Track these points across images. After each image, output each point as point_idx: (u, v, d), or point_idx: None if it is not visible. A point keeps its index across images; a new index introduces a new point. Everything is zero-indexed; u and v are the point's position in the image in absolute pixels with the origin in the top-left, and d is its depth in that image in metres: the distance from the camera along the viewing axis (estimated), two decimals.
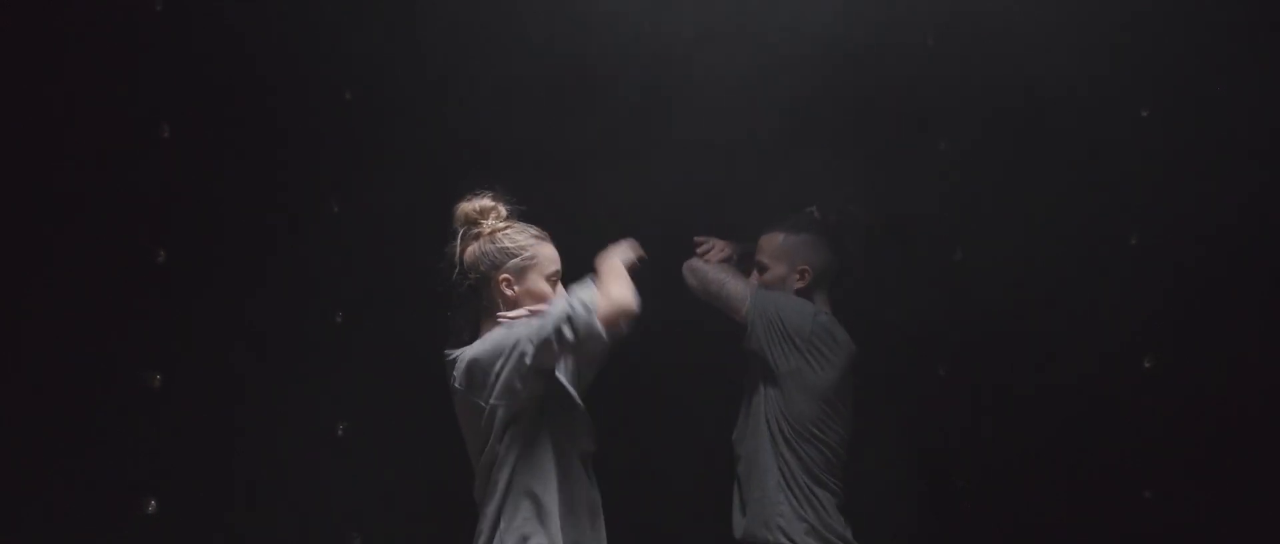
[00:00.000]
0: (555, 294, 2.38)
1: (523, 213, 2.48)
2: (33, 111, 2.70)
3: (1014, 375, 3.17)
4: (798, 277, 2.97)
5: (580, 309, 2.22)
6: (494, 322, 2.37)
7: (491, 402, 2.25)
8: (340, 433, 2.99)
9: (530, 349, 2.18)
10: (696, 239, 2.94)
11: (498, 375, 2.23)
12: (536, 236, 2.47)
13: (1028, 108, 3.16)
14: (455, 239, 2.43)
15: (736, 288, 2.90)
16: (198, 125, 2.91)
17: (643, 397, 3.06)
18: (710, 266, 2.93)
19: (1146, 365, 3.08)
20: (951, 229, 3.29)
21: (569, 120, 3.15)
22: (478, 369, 2.27)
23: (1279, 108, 2.94)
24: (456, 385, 2.31)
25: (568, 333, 2.20)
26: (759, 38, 3.18)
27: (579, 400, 2.36)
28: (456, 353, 2.35)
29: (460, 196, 2.48)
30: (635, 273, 2.29)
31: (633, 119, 3.15)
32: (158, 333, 2.83)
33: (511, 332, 2.27)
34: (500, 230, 2.44)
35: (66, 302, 2.71)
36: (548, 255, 2.44)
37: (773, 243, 2.99)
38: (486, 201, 2.45)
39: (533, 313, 2.30)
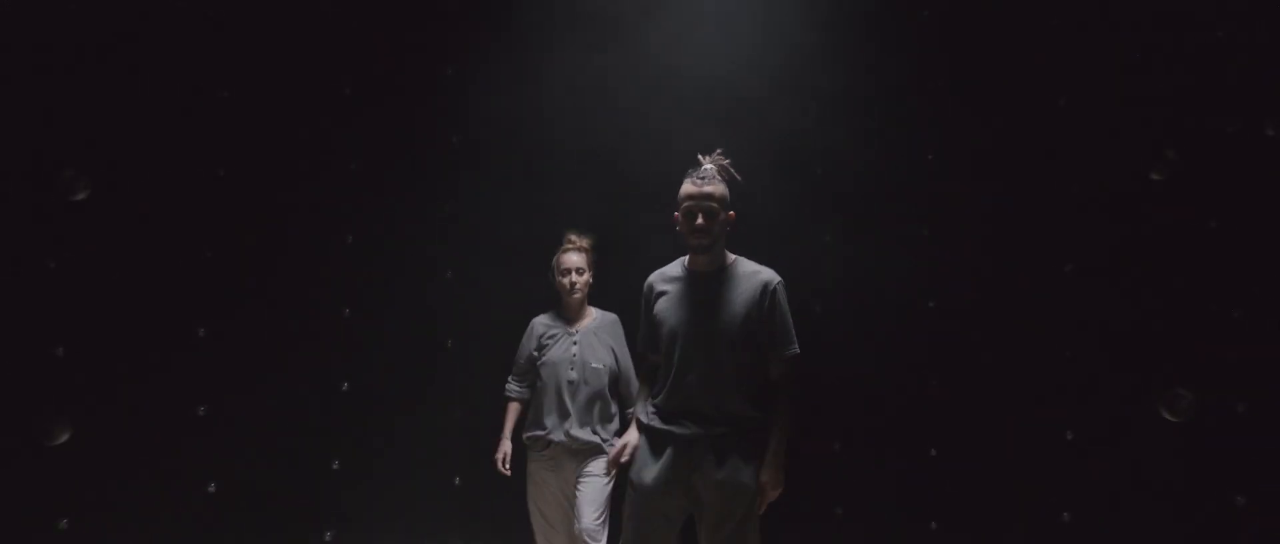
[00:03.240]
0: (567, 285, 3.55)
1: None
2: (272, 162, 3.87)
3: (862, 315, 4.18)
4: (730, 219, 2.89)
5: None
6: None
7: None
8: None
9: None
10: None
11: None
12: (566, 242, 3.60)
13: (878, 158, 4.20)
14: None
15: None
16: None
17: None
18: None
19: (930, 305, 4.16)
20: (829, 233, 4.30)
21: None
22: None
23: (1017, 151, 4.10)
24: None
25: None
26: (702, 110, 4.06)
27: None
28: None
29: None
30: None
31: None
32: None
33: None
34: None
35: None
36: (559, 266, 3.63)
37: (726, 194, 2.80)
38: None
39: None
